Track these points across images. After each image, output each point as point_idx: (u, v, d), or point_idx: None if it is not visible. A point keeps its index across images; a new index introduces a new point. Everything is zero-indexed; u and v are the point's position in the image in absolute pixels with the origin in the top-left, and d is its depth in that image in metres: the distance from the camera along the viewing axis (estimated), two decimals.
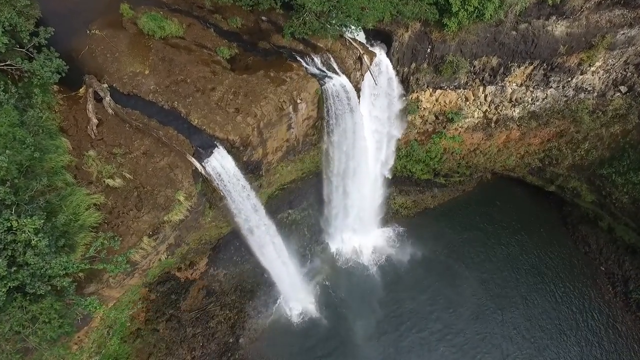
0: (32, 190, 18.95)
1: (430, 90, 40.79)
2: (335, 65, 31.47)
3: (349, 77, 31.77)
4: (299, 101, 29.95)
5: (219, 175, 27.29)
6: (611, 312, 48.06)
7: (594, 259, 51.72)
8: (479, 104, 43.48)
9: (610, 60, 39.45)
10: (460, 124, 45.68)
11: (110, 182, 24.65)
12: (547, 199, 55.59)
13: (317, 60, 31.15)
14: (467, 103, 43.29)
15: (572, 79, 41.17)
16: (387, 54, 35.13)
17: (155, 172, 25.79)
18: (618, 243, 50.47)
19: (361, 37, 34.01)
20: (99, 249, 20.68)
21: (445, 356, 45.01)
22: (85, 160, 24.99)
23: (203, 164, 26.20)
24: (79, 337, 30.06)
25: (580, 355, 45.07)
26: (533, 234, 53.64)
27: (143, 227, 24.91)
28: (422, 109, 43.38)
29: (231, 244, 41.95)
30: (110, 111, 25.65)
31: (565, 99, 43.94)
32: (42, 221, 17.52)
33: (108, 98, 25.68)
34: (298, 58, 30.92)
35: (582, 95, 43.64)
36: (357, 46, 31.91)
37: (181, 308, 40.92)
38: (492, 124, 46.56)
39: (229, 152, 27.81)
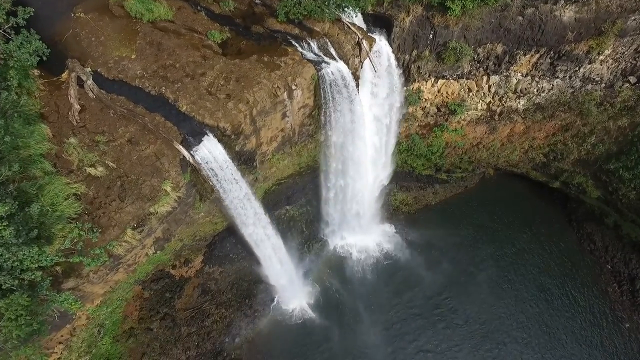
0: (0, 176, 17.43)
1: (432, 80, 39.27)
2: (332, 51, 29.91)
3: (347, 63, 30.20)
4: (294, 87, 28.42)
5: (209, 165, 25.80)
6: (617, 311, 46.69)
7: (600, 257, 50.26)
8: (482, 94, 41.92)
9: (620, 49, 37.80)
10: (463, 117, 44.16)
11: (91, 170, 23.13)
12: (551, 196, 54.10)
13: (314, 44, 29.60)
14: (471, 94, 41.76)
15: (579, 69, 39.55)
16: (388, 41, 33.59)
17: (140, 161, 24.26)
18: (624, 241, 49.04)
19: (360, 22, 32.52)
20: (75, 240, 19.15)
21: (446, 355, 43.85)
22: (66, 148, 23.48)
23: (191, 152, 24.67)
24: (62, 335, 28.61)
25: (586, 356, 43.73)
26: (537, 232, 52.19)
27: (126, 218, 23.37)
28: (424, 100, 41.89)
29: (227, 240, 40.89)
30: (91, 94, 24.16)
31: (571, 90, 42.35)
32: (7, 208, 15.97)
33: (90, 81, 24.19)
34: (293, 42, 29.35)
35: (589, 87, 42.05)
36: (355, 31, 30.35)
37: (176, 307, 39.91)
38: (496, 117, 45.00)
39: (219, 140, 26.30)
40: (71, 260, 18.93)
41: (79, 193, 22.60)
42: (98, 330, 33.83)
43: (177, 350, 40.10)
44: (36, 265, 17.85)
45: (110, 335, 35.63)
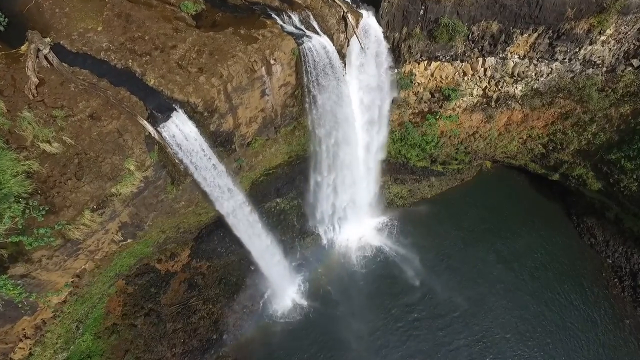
0: None
1: (425, 63, 37.24)
2: (315, 24, 28.00)
3: (331, 39, 28.29)
4: (272, 62, 26.46)
5: (179, 144, 23.87)
6: (618, 307, 45.16)
7: (600, 251, 48.63)
8: (478, 78, 39.87)
9: (622, 28, 35.63)
10: (457, 103, 42.12)
11: (46, 147, 21.16)
12: (550, 189, 52.41)
13: (295, 17, 27.67)
14: (466, 78, 39.70)
15: (579, 50, 37.42)
16: (376, 17, 31.62)
17: (100, 137, 22.29)
18: (626, 235, 47.38)
19: None
20: (16, 218, 17.19)
21: (443, 355, 42.29)
22: (19, 123, 21.52)
23: (158, 128, 22.71)
24: (24, 329, 26.63)
25: (586, 353, 42.26)
26: (536, 226, 50.55)
27: (84, 198, 21.39)
28: (416, 84, 39.89)
29: (214, 233, 39.53)
30: (46, 64, 22.23)
31: (571, 74, 40.26)
32: None
33: (46, 51, 22.26)
34: (273, 15, 27.46)
35: (590, 71, 39.93)
36: (340, 4, 28.43)
37: (161, 302, 38.81)
38: (493, 103, 42.97)
39: (190, 117, 24.32)
40: (9, 239, 16.96)
41: (32, 171, 20.70)
42: (77, 326, 32.21)
43: (162, 347, 38.78)
44: None
45: (91, 331, 34.22)
